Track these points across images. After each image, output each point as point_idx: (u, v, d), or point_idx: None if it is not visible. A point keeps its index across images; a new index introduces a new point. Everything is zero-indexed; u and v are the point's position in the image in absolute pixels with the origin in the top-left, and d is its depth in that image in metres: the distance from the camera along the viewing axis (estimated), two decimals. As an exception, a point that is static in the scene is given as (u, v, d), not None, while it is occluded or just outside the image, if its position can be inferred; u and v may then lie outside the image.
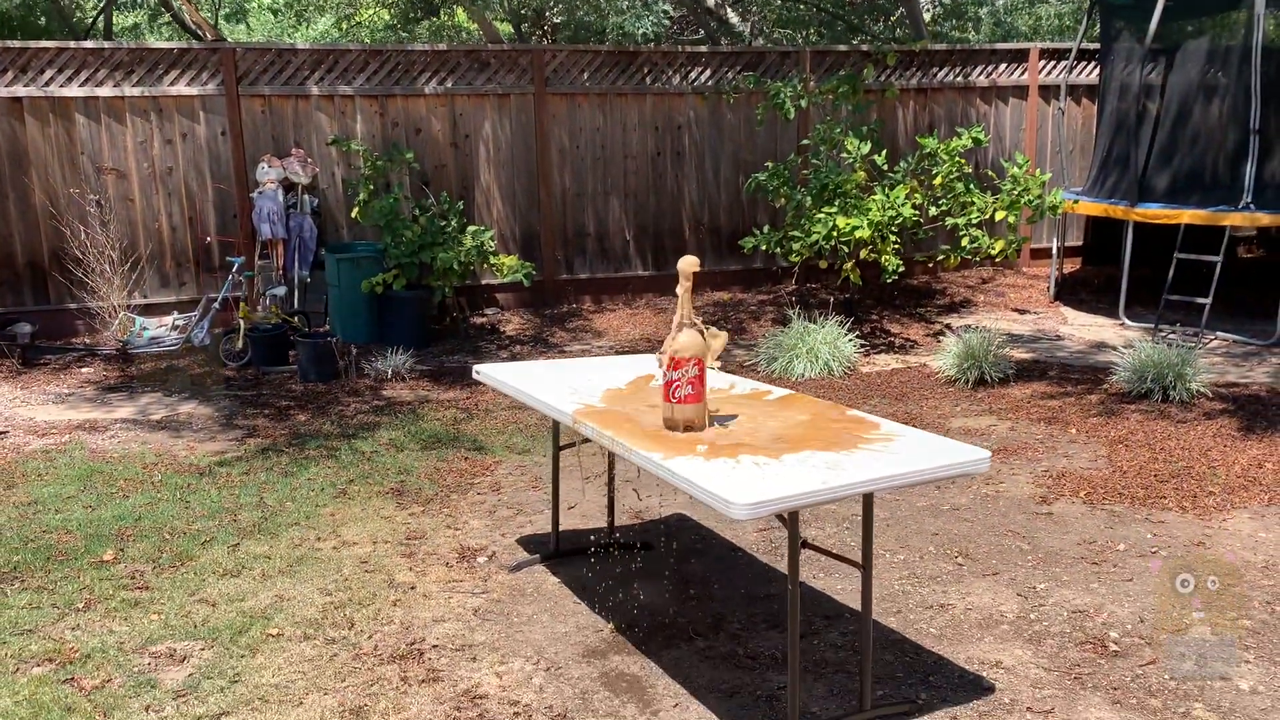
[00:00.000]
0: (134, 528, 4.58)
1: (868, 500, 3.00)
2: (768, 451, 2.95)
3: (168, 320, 8.24)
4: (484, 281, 9.13)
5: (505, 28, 11.87)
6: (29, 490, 5.06)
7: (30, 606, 3.82)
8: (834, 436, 3.10)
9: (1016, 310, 9.28)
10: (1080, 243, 10.84)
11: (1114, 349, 7.53)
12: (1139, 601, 3.79)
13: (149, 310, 8.35)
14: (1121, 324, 8.57)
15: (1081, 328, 8.57)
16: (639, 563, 4.26)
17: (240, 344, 7.64)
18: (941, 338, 7.93)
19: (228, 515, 4.76)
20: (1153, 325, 8.20)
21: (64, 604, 3.84)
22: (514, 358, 7.85)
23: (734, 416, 3.34)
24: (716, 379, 3.90)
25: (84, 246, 8.01)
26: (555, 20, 12.07)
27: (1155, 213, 8.27)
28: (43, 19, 10.71)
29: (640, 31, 8.90)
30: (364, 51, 8.81)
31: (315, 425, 6.23)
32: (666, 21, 9.63)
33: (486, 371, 4.09)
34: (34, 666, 3.38)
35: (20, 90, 7.97)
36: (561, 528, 4.54)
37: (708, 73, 9.56)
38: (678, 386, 3.10)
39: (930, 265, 9.69)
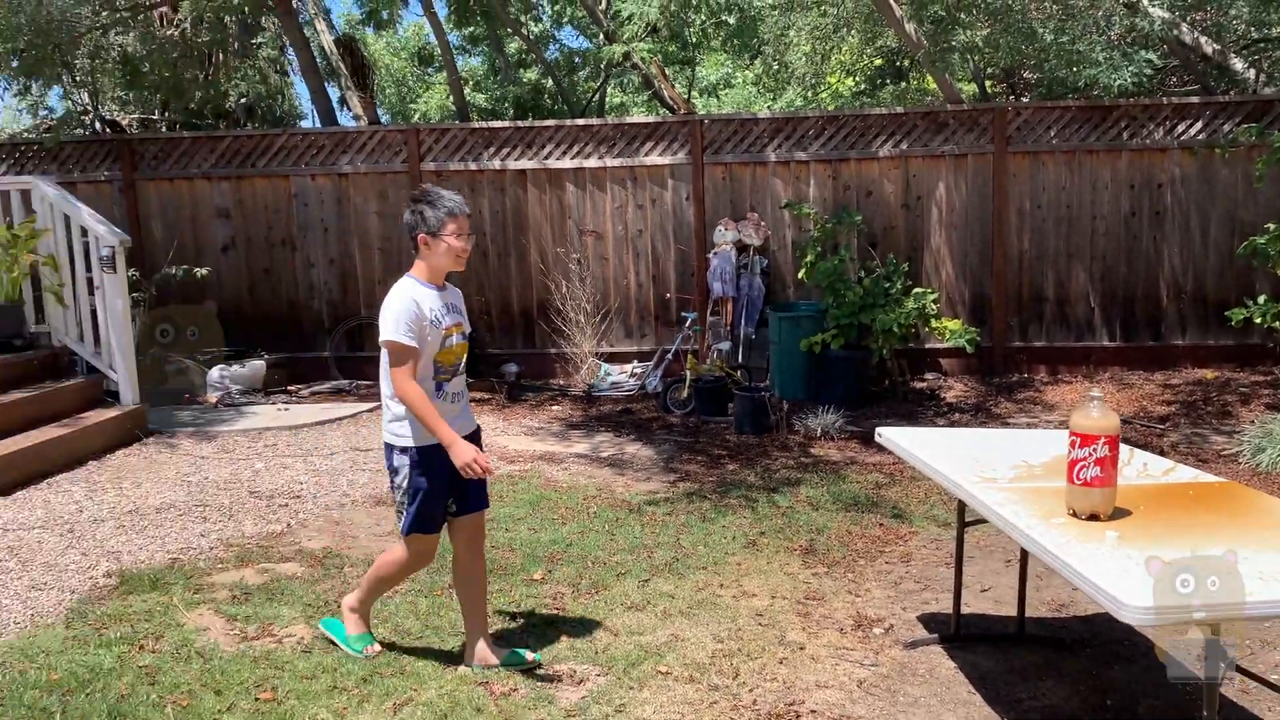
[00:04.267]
0: (564, 553, 5.02)
1: (1322, 625, 2.46)
2: (1189, 549, 2.53)
3: (628, 368, 9.01)
4: (927, 345, 8.88)
5: (969, 88, 11.56)
6: (490, 509, 5.73)
7: (468, 611, 4.31)
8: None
9: None
10: None
11: None
12: None
13: (613, 358, 9.18)
14: None
15: None
16: (1050, 660, 3.85)
17: (685, 393, 8.11)
18: None
19: (645, 551, 5.04)
20: None
21: (494, 614, 4.29)
22: (952, 425, 7.51)
23: (1159, 505, 2.91)
24: (1151, 462, 3.44)
25: (565, 299, 9.02)
26: (1027, 76, 11.53)
27: None
28: (548, 100, 12.37)
29: (1118, 83, 8.20)
30: (821, 118, 9.04)
31: (740, 475, 6.42)
32: (1149, 71, 8.79)
33: (889, 435, 3.96)
34: (459, 665, 3.81)
35: (526, 164, 9.21)
36: (969, 611, 4.25)
37: (1198, 125, 8.56)
38: (1082, 467, 2.77)
39: None
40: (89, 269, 7.24)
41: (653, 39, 9.64)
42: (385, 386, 3.58)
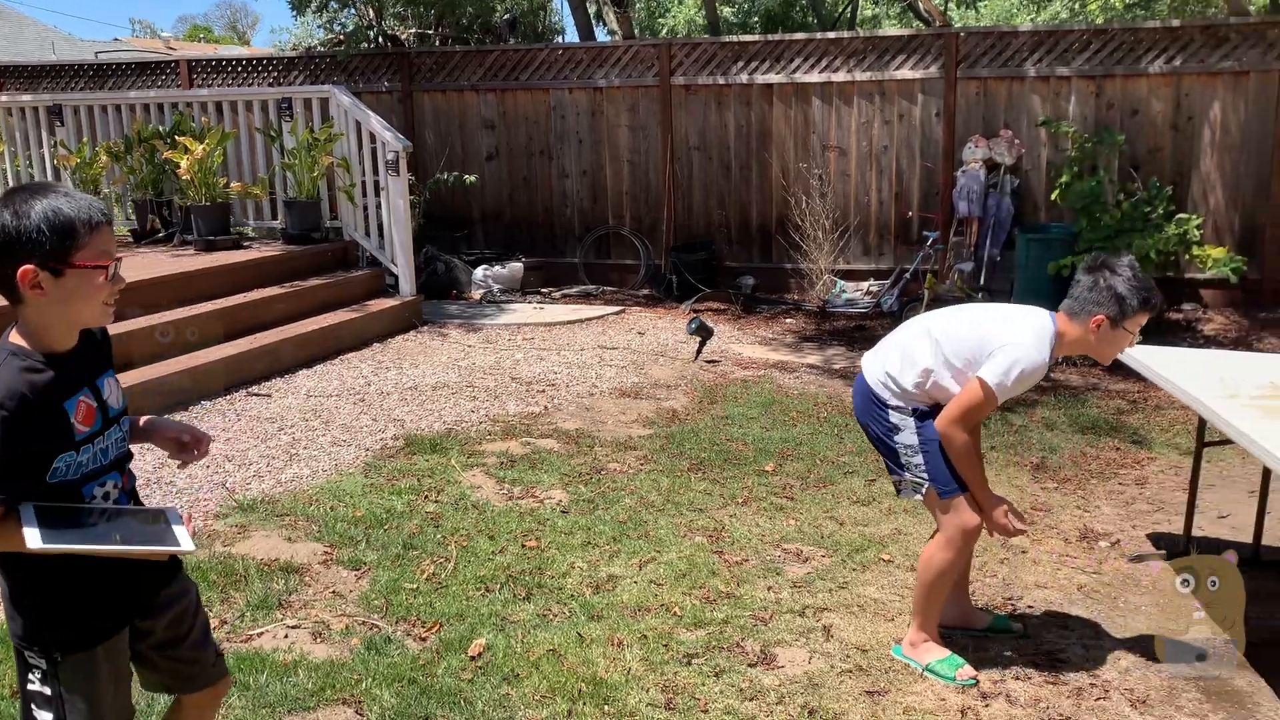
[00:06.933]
0: (793, 450, 5.31)
1: None
2: None
3: (864, 285, 9.08)
4: (1186, 275, 8.42)
5: (1260, -2, 10.62)
6: (724, 408, 6.10)
7: (704, 493, 4.69)
8: None
9: None
10: None
11: None
12: None
13: (849, 275, 9.26)
14: None
15: None
16: (1286, 587, 3.81)
17: (922, 312, 8.12)
18: None
19: (872, 455, 5.22)
20: None
21: (728, 497, 4.65)
22: (1205, 359, 7.18)
23: None
24: None
25: (804, 215, 9.15)
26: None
27: None
28: (798, 14, 12.30)
29: None
30: (1087, 31, 8.62)
31: (973, 394, 6.45)
32: None
33: (1130, 351, 3.96)
34: (697, 536, 4.20)
35: (773, 78, 9.32)
36: (1203, 534, 4.23)
37: None
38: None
39: None
40: (376, 172, 8.04)
41: (910, -51, 9.43)
42: (908, 372, 3.23)
